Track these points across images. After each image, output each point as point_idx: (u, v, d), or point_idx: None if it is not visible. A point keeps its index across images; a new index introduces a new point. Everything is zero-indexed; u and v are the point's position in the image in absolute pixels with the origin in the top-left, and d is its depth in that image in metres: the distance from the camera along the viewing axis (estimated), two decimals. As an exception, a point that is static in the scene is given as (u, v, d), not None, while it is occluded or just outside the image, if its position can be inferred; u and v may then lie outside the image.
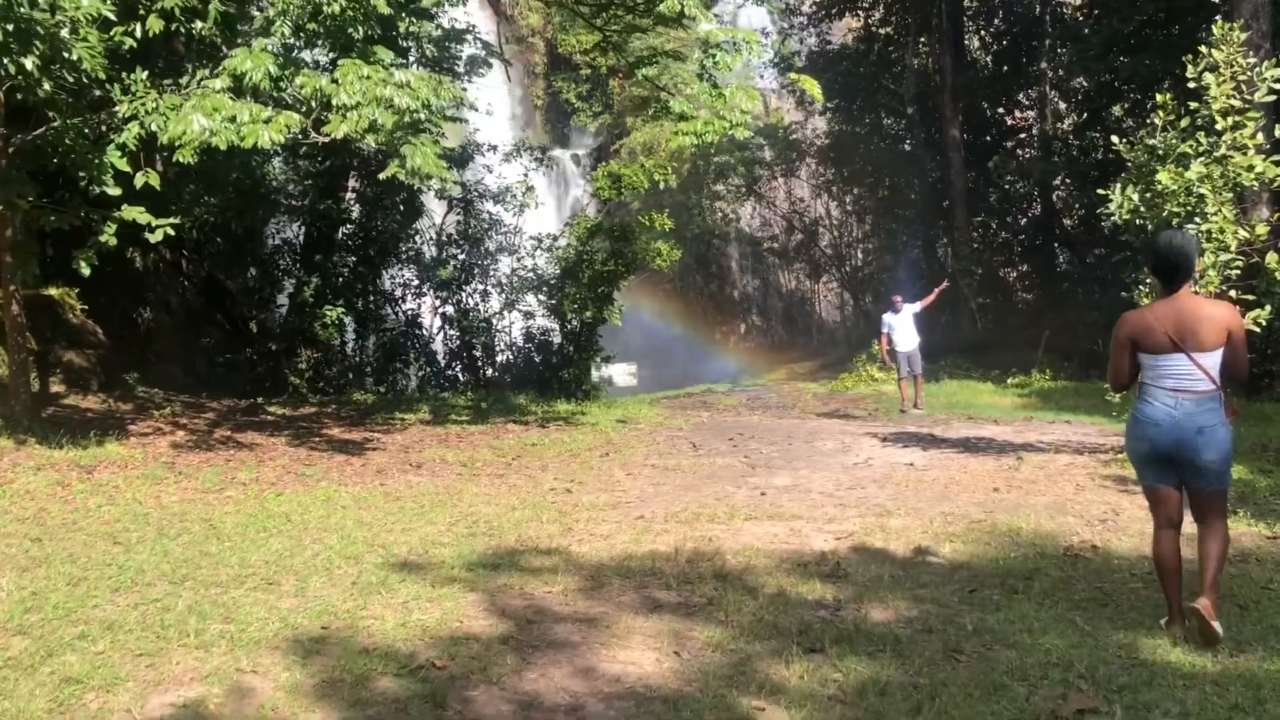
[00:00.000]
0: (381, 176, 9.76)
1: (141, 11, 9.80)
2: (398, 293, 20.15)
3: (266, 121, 8.96)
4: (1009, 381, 21.59)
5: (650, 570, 6.63)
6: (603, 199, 19.30)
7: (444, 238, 20.29)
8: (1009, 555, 6.92)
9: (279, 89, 9.25)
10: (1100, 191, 10.51)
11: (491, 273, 19.69)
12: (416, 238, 20.35)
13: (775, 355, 36.23)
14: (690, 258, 39.20)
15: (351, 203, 20.05)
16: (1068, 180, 28.62)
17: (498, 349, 19.78)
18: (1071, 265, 30.08)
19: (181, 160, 9.33)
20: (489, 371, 19.75)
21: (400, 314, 20.22)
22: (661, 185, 19.50)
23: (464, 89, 21.12)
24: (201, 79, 9.56)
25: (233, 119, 8.84)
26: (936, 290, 17.87)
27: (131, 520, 8.08)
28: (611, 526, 8.04)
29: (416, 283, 19.99)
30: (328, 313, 18.47)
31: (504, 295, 19.46)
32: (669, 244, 18.66)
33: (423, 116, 9.22)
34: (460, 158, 19.31)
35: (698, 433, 14.22)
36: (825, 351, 35.03)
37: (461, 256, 19.69)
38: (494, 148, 19.89)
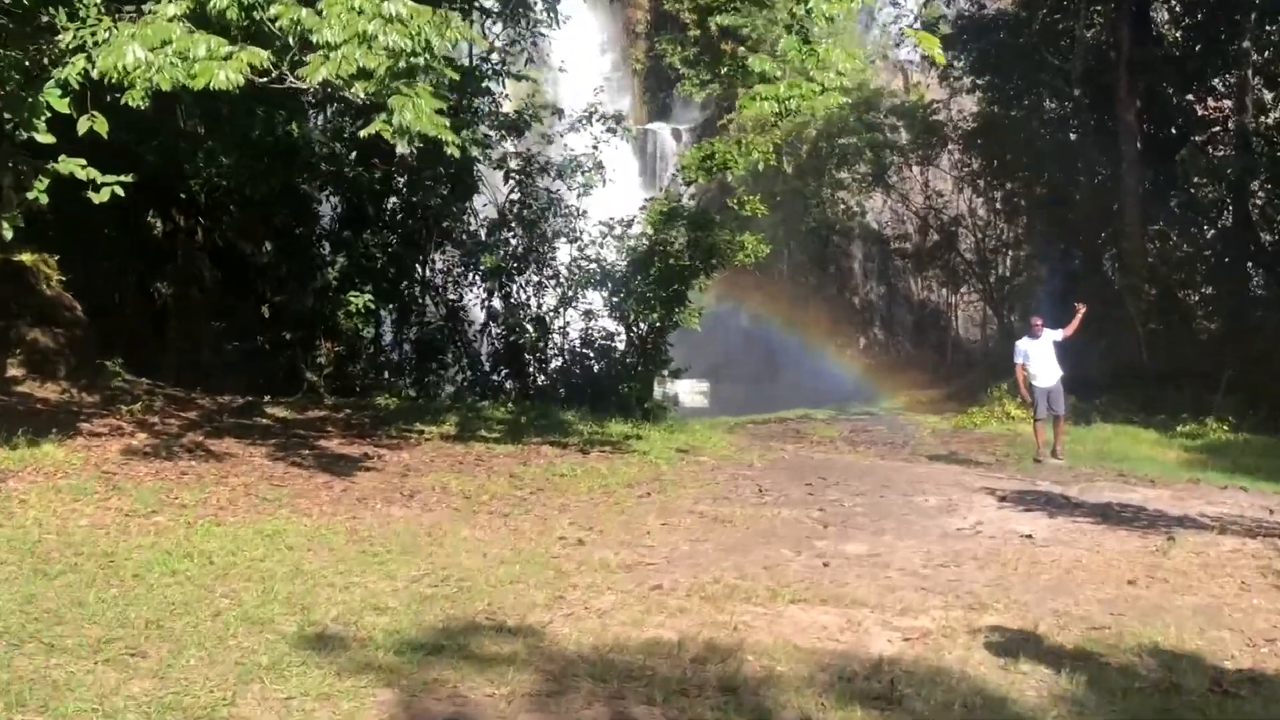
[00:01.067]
0: (363, 135, 8.98)
1: (99, -79, 9.19)
2: (438, 280, 19.68)
3: (226, 58, 8.25)
4: (1177, 429, 20.40)
5: (638, 671, 5.70)
6: (686, 180, 18.39)
7: (506, 216, 19.67)
8: (1132, 685, 5.79)
9: (251, 19, 8.54)
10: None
11: (549, 262, 19.12)
12: (467, 217, 19.76)
13: (897, 377, 35.39)
14: (804, 255, 38.71)
15: (396, 172, 19.53)
16: (1269, 185, 26.88)
17: (550, 353, 19.20)
18: (1268, 289, 28.31)
19: (131, 103, 8.67)
20: (540, 379, 19.14)
21: (441, 306, 19.67)
22: (760, 166, 18.60)
23: (532, 39, 20.48)
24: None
25: (184, 54, 8.15)
26: (1076, 317, 16.60)
27: (12, 550, 7.44)
28: (615, 598, 7.19)
29: (461, 269, 19.42)
30: (353, 299, 17.95)
31: (561, 289, 18.88)
32: (756, 236, 17.76)
33: (422, 61, 8.41)
34: (515, 123, 18.66)
35: (771, 472, 13.35)
36: (958, 376, 34.34)
37: (515, 241, 19.02)
38: (560, 112, 19.16)
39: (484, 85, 19.03)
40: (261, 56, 8.37)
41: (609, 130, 19.11)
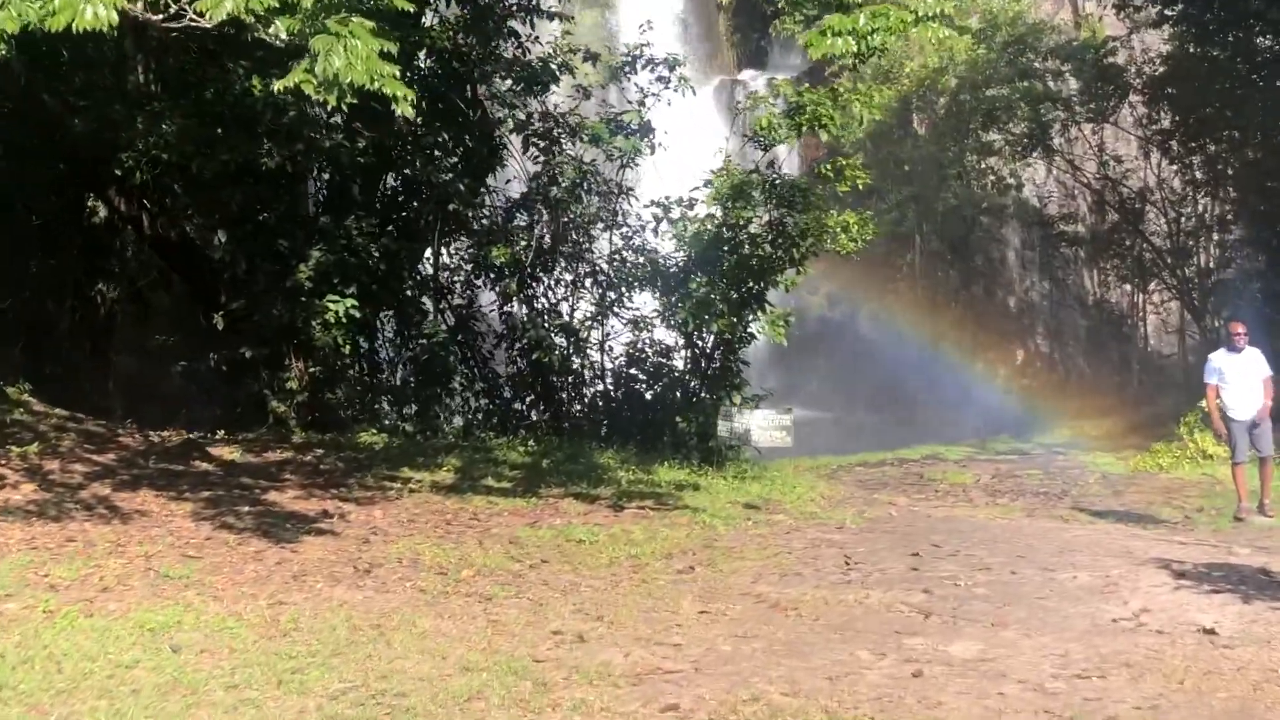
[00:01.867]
0: (277, 89, 8.57)
1: None
2: (444, 280, 19.74)
3: (96, -14, 7.89)
4: None
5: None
6: (766, 142, 17.82)
7: (532, 196, 19.51)
8: None
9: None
10: None
11: (585, 256, 19.04)
12: (482, 196, 19.62)
13: (1067, 402, 35.22)
14: (942, 242, 38.55)
15: (391, 141, 19.38)
16: None
17: (587, 374, 19.10)
18: None
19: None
20: (574, 408, 19.11)
21: (449, 314, 19.64)
22: (863, 121, 18.12)
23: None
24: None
25: (34, -19, 7.83)
26: None
27: None
28: (607, 723, 6.81)
29: (473, 266, 19.47)
30: (332, 305, 17.68)
31: (601, 291, 18.80)
32: (862, 214, 17.38)
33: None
34: (540, 73, 18.34)
35: (866, 537, 13.11)
36: (1148, 401, 34.10)
37: (539, 229, 18.95)
38: (595, 57, 18.85)
39: (507, 25, 18.84)
40: (146, -15, 8.03)
41: (659, 80, 18.65)
